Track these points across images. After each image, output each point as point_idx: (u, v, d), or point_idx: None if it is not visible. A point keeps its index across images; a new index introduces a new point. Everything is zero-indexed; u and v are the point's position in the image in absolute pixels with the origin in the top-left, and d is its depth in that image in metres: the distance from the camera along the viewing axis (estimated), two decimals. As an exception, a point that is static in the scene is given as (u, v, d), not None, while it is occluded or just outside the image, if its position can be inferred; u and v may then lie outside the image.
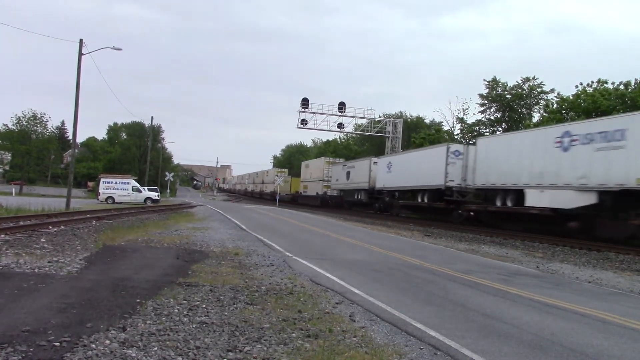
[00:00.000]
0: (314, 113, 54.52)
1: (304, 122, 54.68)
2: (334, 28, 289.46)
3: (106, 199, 43.45)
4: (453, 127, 63.31)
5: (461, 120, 61.57)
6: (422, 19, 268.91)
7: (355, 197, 49.30)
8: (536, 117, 53.33)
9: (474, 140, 35.51)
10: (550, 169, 24.14)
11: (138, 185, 46.52)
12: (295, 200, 68.34)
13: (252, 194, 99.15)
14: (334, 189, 55.83)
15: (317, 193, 59.79)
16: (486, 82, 56.75)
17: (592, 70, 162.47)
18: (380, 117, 60.83)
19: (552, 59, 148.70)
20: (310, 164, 66.70)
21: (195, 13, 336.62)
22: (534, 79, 54.78)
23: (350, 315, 7.30)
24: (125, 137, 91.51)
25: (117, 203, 41.96)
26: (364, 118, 57.25)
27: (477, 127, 58.59)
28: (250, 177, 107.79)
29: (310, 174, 64.74)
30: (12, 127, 64.03)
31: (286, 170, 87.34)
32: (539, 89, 54.89)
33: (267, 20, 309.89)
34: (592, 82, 43.32)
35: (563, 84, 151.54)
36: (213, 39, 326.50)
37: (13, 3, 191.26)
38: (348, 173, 51.12)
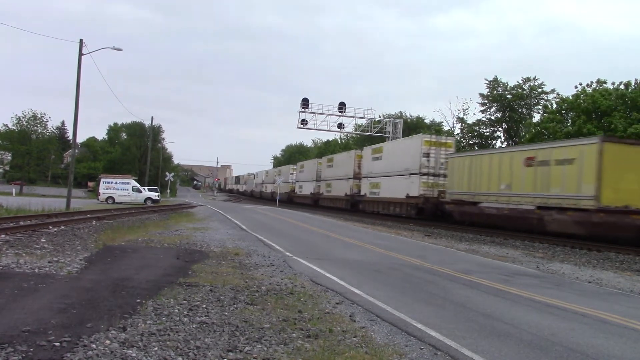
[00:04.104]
0: (314, 113, 54.49)
1: (304, 122, 54.63)
2: (328, 27, 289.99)
3: (106, 199, 43.47)
4: (453, 127, 63.36)
5: (461, 120, 61.64)
6: (415, 19, 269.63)
7: None
8: (536, 117, 53.44)
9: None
10: None
11: (138, 185, 46.54)
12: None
13: (304, 200, 58.64)
14: None
15: None
16: (487, 82, 56.85)
17: (585, 70, 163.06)
18: (380, 117, 60.82)
19: (545, 58, 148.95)
20: None
21: (192, 13, 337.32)
22: (534, 79, 54.92)
23: (350, 316, 7.29)
24: (125, 137, 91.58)
25: (117, 203, 41.97)
26: (364, 118, 57.23)
27: (478, 127, 58.67)
28: (302, 170, 62.45)
29: None
30: (12, 127, 64.10)
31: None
32: (539, 89, 54.99)
33: (262, 19, 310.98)
34: (592, 82, 43.42)
35: (558, 83, 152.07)
36: (211, 38, 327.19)
37: (13, 3, 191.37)
38: None
